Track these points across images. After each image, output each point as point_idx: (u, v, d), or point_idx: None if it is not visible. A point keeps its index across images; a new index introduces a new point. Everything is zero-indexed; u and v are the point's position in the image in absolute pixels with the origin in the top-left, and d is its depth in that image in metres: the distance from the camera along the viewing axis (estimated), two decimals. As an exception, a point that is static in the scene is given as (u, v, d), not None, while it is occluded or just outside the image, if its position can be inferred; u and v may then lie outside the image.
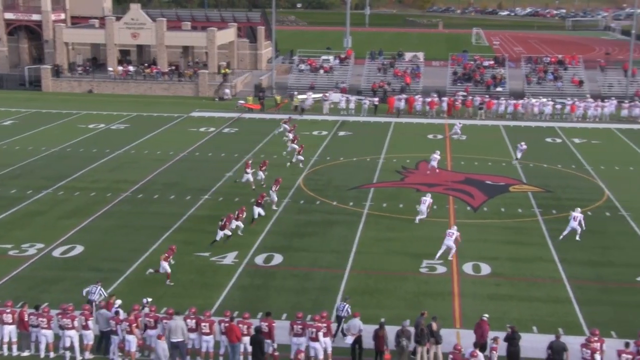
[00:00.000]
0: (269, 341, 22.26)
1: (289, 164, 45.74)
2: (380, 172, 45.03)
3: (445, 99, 66.56)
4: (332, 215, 36.54)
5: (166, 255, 28.13)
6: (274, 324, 22.40)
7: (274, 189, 37.56)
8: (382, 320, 23.01)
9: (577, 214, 33.18)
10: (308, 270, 29.68)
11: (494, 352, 20.98)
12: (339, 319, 24.05)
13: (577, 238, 32.79)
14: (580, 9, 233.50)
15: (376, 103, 65.82)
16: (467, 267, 30.02)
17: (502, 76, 75.33)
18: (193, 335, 22.46)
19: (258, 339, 21.83)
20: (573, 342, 22.16)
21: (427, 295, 27.40)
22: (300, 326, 22.23)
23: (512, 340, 21.79)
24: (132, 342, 22.07)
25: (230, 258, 30.68)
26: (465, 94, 69.31)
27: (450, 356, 20.99)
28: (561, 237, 32.93)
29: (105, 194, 39.55)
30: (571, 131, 58.37)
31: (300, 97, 66.91)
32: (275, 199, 37.38)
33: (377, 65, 78.87)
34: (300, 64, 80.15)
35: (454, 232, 30.93)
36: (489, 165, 47.12)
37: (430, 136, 56.15)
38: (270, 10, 77.60)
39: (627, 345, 21.18)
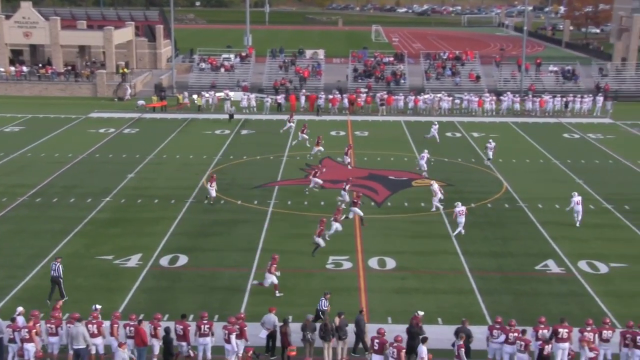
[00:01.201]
0: (184, 343, 21.97)
1: (349, 166, 45.42)
2: (284, 170, 45.02)
3: (346, 95, 67.14)
4: (237, 214, 36.29)
5: (274, 266, 27.05)
6: (189, 327, 22.10)
7: (346, 188, 37.62)
8: (288, 317, 22.97)
9: (578, 198, 35.08)
10: (214, 270, 29.39)
11: (462, 349, 21.16)
12: (317, 314, 24.08)
13: (578, 223, 34.89)
14: (475, 6, 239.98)
15: (280, 101, 65.81)
16: (373, 262, 30.32)
17: (402, 72, 76.56)
18: (97, 341, 21.87)
19: (167, 340, 21.56)
20: (477, 332, 22.69)
21: (334, 291, 27.39)
22: (207, 325, 22.03)
23: (411, 334, 22.12)
24: (31, 350, 21.29)
25: (134, 260, 30.07)
26: (367, 90, 70.08)
27: (376, 340, 21.27)
28: (578, 224, 34.86)
29: (0, 199, 38.11)
30: (470, 125, 59.80)
31: (206, 94, 66.26)
32: (347, 198, 36.76)
33: (279, 63, 78.92)
34: (200, 63, 79.32)
35: (462, 210, 33.14)
36: (391, 160, 47.75)
37: (333, 133, 56.49)
38: (169, 9, 76.45)
39: (523, 332, 21.82)
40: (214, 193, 37.62)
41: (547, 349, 21.13)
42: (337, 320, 22.60)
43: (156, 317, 22.41)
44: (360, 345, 23.14)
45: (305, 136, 50.55)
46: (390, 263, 30.33)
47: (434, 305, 26.24)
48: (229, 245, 32.11)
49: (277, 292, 26.91)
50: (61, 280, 26.34)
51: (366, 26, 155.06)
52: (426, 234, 33.87)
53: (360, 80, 75.37)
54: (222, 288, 27.68)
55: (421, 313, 23.12)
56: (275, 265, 27.05)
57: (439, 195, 36.93)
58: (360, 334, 23.03)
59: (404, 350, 20.82)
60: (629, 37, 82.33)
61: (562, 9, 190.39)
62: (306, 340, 22.34)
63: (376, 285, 28.15)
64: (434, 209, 36.83)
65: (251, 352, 20.90)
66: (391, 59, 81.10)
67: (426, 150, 45.03)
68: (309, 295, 27.05)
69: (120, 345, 20.95)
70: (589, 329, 21.85)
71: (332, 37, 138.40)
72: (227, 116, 61.21)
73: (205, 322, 22.13)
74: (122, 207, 37.31)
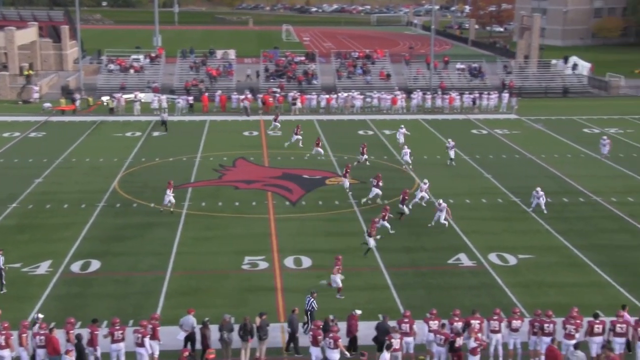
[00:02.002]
0: (91, 349, 21.51)
1: (355, 163, 45.37)
2: (197, 171, 44.61)
3: (260, 96, 66.98)
4: (150, 217, 35.76)
5: (337, 267, 26.95)
6: (96, 332, 21.65)
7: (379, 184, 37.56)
8: (207, 319, 22.79)
9: (541, 192, 36.92)
10: (128, 274, 28.90)
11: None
12: (306, 313, 24.26)
13: (545, 211, 36.55)
14: (384, 5, 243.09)
15: (191, 102, 65.11)
16: (289, 262, 30.37)
17: (313, 71, 76.91)
18: (4, 353, 21.17)
19: (79, 347, 21.12)
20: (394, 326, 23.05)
21: (251, 291, 27.47)
22: (120, 331, 21.66)
23: (325, 332, 22.32)
24: None
25: (43, 267, 29.28)
26: (279, 90, 70.08)
27: (311, 333, 21.82)
28: (531, 208, 36.97)
29: None
30: (381, 123, 60.50)
31: (115, 96, 65.04)
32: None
33: (189, 63, 78.13)
34: (109, 64, 77.78)
35: (444, 206, 34.15)
36: (305, 159, 47.91)
37: (246, 133, 56.30)
38: (74, 9, 74.59)
39: (442, 326, 22.30)
40: (172, 199, 36.30)
41: (459, 341, 21.58)
42: (257, 320, 22.57)
43: (69, 321, 21.89)
44: (294, 345, 23.25)
45: (299, 136, 50.60)
46: (306, 262, 30.44)
47: (350, 302, 26.42)
48: (143, 248, 31.63)
49: (338, 295, 27.01)
50: (3, 272, 26.54)
51: (277, 26, 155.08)
52: (341, 232, 34.11)
53: (272, 80, 75.34)
54: (135, 293, 27.24)
55: (358, 312, 23.47)
56: (339, 267, 27.02)
57: (423, 193, 37.87)
58: (293, 334, 23.06)
59: (340, 340, 21.36)
60: (530, 35, 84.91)
61: (467, 8, 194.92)
62: (223, 341, 22.26)
63: (292, 284, 28.21)
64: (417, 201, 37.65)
65: (187, 353, 20.71)
66: (302, 58, 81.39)
67: (406, 146, 46.30)
68: (225, 296, 26.95)
69: (67, 352, 20.42)
70: (495, 317, 22.44)
71: (243, 36, 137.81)
72: (138, 117, 60.28)
73: (117, 327, 21.73)
74: (30, 213, 36.25)
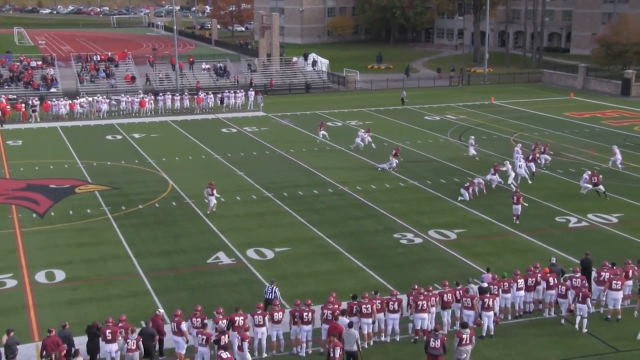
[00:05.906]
0: None
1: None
2: None
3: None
4: None
5: (519, 197, 33.91)
6: None
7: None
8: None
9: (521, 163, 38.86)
10: None
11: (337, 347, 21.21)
12: (267, 302, 24.13)
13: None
14: (123, 7, 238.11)
15: None
16: (40, 276, 28.86)
17: (52, 76, 73.48)
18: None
19: None
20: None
21: None
22: None
23: (90, 335, 22.03)
24: None
25: None
26: (15, 97, 66.24)
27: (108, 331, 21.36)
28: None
29: None
30: (130, 127, 59.20)
31: None
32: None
33: None
34: None
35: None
36: (51, 168, 45.69)
37: (-18, 144, 52.65)
38: None
39: (204, 326, 22.34)
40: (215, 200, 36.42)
41: (224, 339, 21.69)
42: (4, 338, 21.24)
43: None
44: None
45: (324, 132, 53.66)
46: (60, 275, 29.09)
47: (109, 311, 25.56)
48: None
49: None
50: None
51: (7, 28, 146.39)
52: (94, 241, 32.95)
53: (7, 87, 70.96)
54: None
55: (162, 311, 23.30)
56: (520, 196, 33.97)
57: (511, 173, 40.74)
58: (70, 349, 21.85)
59: None
60: (271, 34, 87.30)
61: (208, 8, 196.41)
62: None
63: (46, 299, 26.84)
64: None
65: None
66: (39, 62, 77.58)
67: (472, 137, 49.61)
68: (-29, 321, 25.04)
69: None
70: (258, 312, 22.84)
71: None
72: None
73: None
74: None
